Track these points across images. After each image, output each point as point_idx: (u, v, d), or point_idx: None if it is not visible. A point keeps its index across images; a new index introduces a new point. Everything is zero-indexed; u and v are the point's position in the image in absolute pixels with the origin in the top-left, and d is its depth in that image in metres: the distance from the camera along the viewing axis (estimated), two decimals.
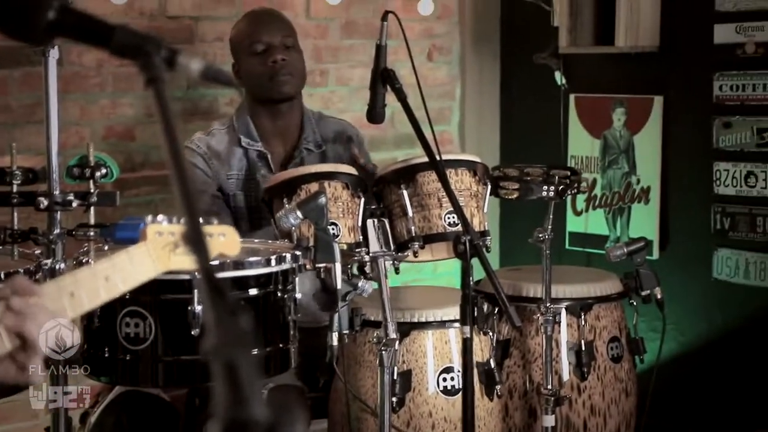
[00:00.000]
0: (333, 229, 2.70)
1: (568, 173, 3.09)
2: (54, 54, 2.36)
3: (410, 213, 2.78)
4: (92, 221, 2.43)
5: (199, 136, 3.24)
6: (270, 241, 2.70)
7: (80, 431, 2.78)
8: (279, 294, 2.46)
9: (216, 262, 2.29)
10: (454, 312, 2.86)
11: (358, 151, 3.29)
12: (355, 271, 2.80)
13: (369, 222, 2.79)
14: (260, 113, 3.25)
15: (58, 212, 2.40)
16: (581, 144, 4.24)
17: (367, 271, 2.77)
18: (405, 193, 2.79)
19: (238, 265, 2.39)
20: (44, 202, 2.38)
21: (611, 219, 4.15)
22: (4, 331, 1.47)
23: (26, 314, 1.46)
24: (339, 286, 2.56)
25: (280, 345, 2.48)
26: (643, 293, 3.15)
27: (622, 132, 4.11)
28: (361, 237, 2.77)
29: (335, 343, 2.66)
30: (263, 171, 3.19)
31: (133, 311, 2.37)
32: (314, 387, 2.98)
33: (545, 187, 3.05)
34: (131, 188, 3.58)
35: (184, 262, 1.64)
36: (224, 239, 1.76)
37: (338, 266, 2.55)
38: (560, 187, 3.04)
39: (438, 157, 2.68)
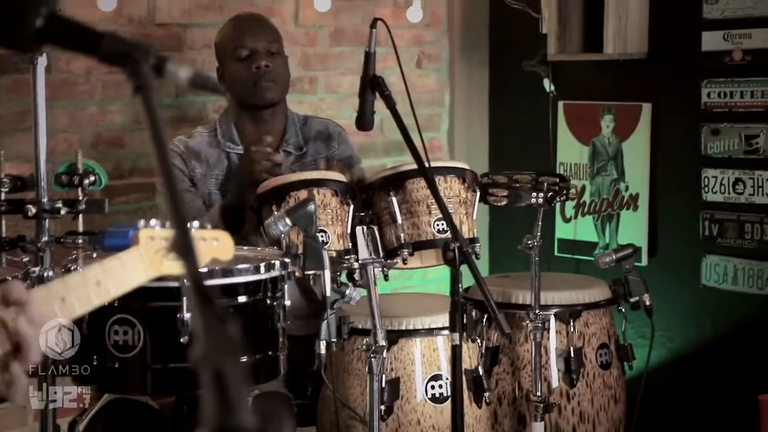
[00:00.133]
0: (322, 236, 2.70)
1: (557, 180, 3.09)
2: (42, 61, 2.35)
3: (399, 220, 2.78)
4: (81, 229, 2.43)
5: (179, 138, 3.25)
6: (259, 248, 2.70)
7: None
8: (268, 301, 2.46)
9: (205, 270, 2.29)
10: (442, 319, 2.86)
11: (339, 147, 3.30)
12: (344, 278, 2.80)
13: (358, 229, 2.79)
14: (244, 118, 3.26)
15: (47, 220, 2.39)
16: (570, 151, 4.24)
17: (356, 279, 2.77)
18: (394, 200, 2.79)
19: (226, 272, 2.38)
20: (32, 209, 2.37)
21: (600, 226, 4.16)
22: None
23: (22, 318, 1.46)
24: (328, 293, 2.56)
25: (269, 352, 2.48)
26: (632, 300, 3.15)
27: (610, 139, 4.12)
28: (350, 244, 2.77)
29: (323, 351, 2.66)
30: None
31: (121, 319, 2.36)
32: (302, 395, 2.97)
33: (534, 194, 3.05)
34: (120, 195, 3.58)
35: (176, 267, 1.63)
36: (217, 244, 1.76)
37: (327, 273, 2.55)
38: (549, 194, 3.05)
39: (427, 164, 2.68)
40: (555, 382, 3.14)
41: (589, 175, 4.19)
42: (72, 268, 2.40)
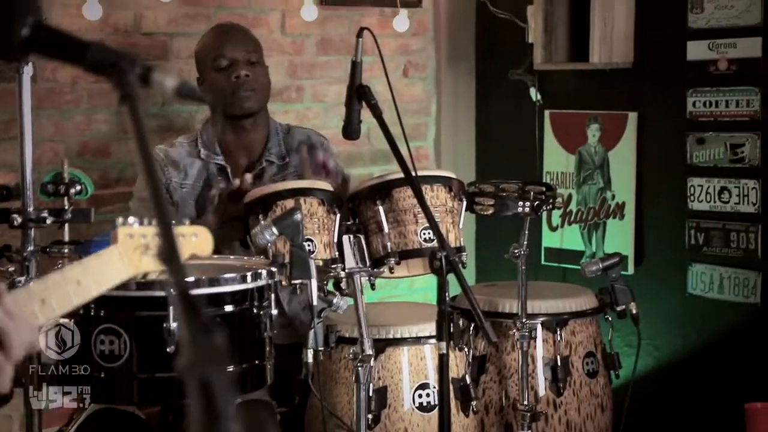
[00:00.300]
0: (309, 245, 2.69)
1: (544, 189, 3.10)
2: (28, 70, 2.35)
3: (386, 229, 2.78)
4: (67, 238, 2.42)
5: (160, 147, 3.25)
6: (246, 258, 2.69)
7: None
8: (255, 311, 2.46)
9: (191, 279, 2.29)
10: (429, 328, 2.87)
11: (324, 155, 3.30)
12: (331, 287, 2.80)
13: (345, 238, 2.79)
14: (224, 127, 3.25)
15: (32, 229, 2.39)
16: (556, 160, 4.25)
17: (343, 288, 2.77)
18: (381, 209, 2.79)
19: (213, 281, 2.38)
20: (18, 219, 2.37)
21: (586, 234, 4.17)
22: None
23: (7, 313, 1.45)
24: (315, 302, 2.56)
25: (256, 362, 2.47)
26: (618, 308, 3.16)
27: (596, 148, 4.13)
28: (336, 253, 2.77)
29: (310, 360, 2.66)
30: (222, 184, 3.19)
31: (107, 328, 2.36)
32: (288, 404, 2.97)
33: (521, 203, 3.06)
34: (106, 204, 3.57)
35: (155, 263, 1.63)
36: (196, 240, 1.76)
37: (314, 282, 2.54)
38: (535, 203, 3.05)
39: (413, 173, 2.69)
40: (542, 391, 3.15)
41: (575, 183, 4.20)
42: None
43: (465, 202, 2.92)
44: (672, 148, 3.90)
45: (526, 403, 3.06)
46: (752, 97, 3.67)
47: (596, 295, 3.27)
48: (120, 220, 1.65)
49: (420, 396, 2.94)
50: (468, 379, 2.99)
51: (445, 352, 2.63)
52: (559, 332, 3.15)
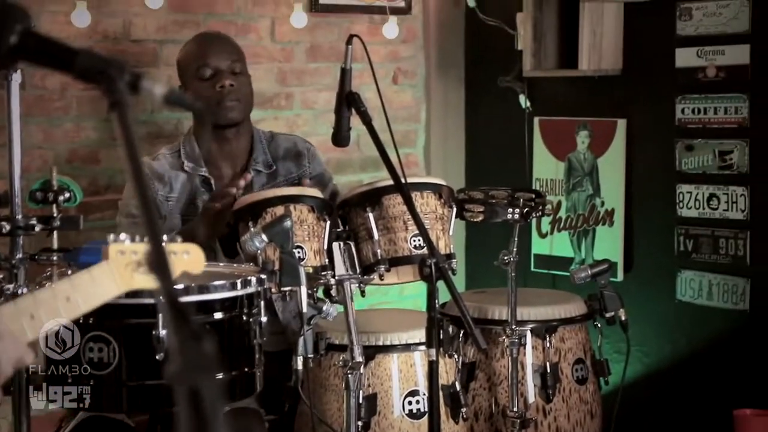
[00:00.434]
0: (298, 252, 2.69)
1: (533, 196, 3.11)
2: (17, 78, 2.35)
3: (376, 236, 2.78)
4: (55, 246, 2.42)
5: (143, 159, 3.23)
6: (235, 265, 2.69)
7: None
8: (244, 318, 2.45)
9: (180, 286, 2.29)
10: (419, 335, 2.87)
11: (310, 164, 3.30)
12: (320, 294, 2.80)
13: (335, 245, 2.79)
14: (205, 135, 3.24)
15: (21, 237, 2.38)
16: (546, 167, 4.26)
17: (333, 295, 2.77)
18: (371, 216, 2.79)
19: (203, 289, 2.38)
20: (6, 226, 2.36)
21: (576, 241, 4.17)
22: None
23: None
24: (305, 309, 2.56)
25: (246, 369, 2.47)
26: (608, 315, 3.17)
27: (586, 155, 4.14)
28: (326, 260, 2.77)
29: (300, 367, 2.65)
30: (205, 196, 3.18)
31: (96, 336, 2.35)
32: (277, 411, 2.96)
33: (510, 210, 3.06)
34: (95, 212, 3.56)
35: (146, 281, 1.63)
36: (188, 257, 1.76)
37: (304, 290, 2.54)
38: (525, 210, 3.06)
39: (403, 180, 2.69)
40: (531, 398, 3.15)
41: (564, 190, 4.20)
42: (46, 285, 2.39)
43: (455, 209, 2.92)
44: (661, 154, 3.90)
45: (515, 409, 3.06)
46: (740, 104, 3.68)
47: (585, 302, 3.27)
48: (111, 236, 1.65)
49: (410, 403, 2.93)
50: (458, 386, 2.99)
51: (434, 358, 2.63)
52: (548, 339, 3.16)
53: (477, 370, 3.21)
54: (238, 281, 2.43)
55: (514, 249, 3.06)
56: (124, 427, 2.75)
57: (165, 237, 1.73)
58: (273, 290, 2.56)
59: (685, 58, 3.81)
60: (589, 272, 3.15)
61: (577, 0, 3.95)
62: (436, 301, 2.64)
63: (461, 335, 3.03)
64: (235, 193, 2.87)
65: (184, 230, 3.01)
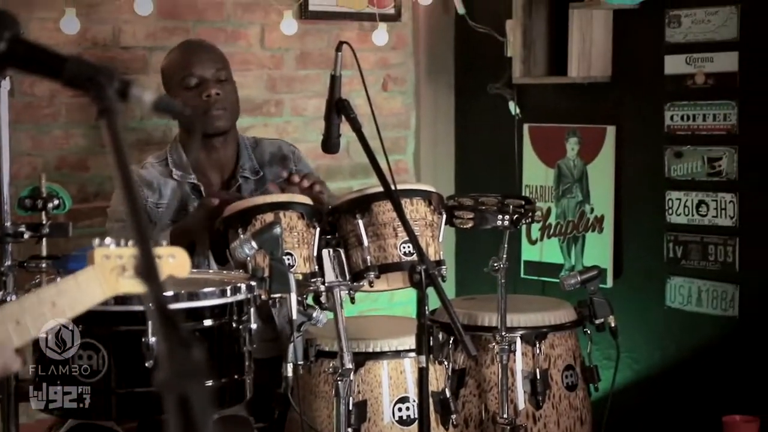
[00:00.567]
0: (288, 259, 2.69)
1: (523, 202, 3.11)
2: (5, 85, 2.35)
3: (366, 243, 2.78)
4: (44, 253, 2.41)
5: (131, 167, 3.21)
6: (225, 272, 2.69)
7: None
8: (234, 325, 2.45)
9: (170, 293, 2.28)
10: (409, 341, 2.87)
11: (296, 166, 3.30)
12: (310, 301, 2.79)
13: (324, 252, 2.79)
14: (194, 144, 3.23)
15: (10, 244, 2.37)
16: (535, 173, 4.27)
17: (323, 301, 2.77)
18: (360, 222, 2.79)
19: (192, 295, 2.37)
20: None
21: (565, 248, 4.18)
22: None
23: None
24: (294, 316, 2.55)
25: (235, 376, 2.46)
26: (597, 321, 3.17)
27: (575, 161, 4.15)
28: (316, 267, 2.77)
29: (290, 374, 2.65)
30: (196, 203, 3.18)
31: (86, 343, 2.34)
32: (267, 418, 2.96)
33: (500, 217, 3.07)
34: (84, 219, 3.56)
35: (132, 285, 1.62)
36: (173, 261, 1.75)
37: (293, 296, 2.54)
38: (515, 217, 3.06)
39: (393, 187, 2.69)
40: (521, 404, 3.15)
41: (554, 197, 4.21)
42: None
43: (444, 216, 2.92)
44: (650, 161, 3.91)
45: (505, 416, 3.06)
46: (729, 111, 3.69)
47: (575, 308, 3.27)
48: (96, 241, 1.64)
49: (400, 410, 2.93)
50: (448, 393, 2.99)
51: (424, 365, 2.62)
52: (538, 345, 3.16)
53: (467, 376, 3.21)
54: (228, 288, 2.43)
55: (504, 255, 3.06)
56: None
57: (159, 236, 1.73)
58: (263, 297, 2.56)
59: (674, 65, 3.82)
60: (579, 279, 3.15)
61: (567, 7, 3.97)
62: (426, 308, 2.64)
63: (451, 342, 3.03)
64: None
65: (180, 225, 3.01)
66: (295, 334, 2.59)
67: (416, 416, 2.86)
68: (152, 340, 2.29)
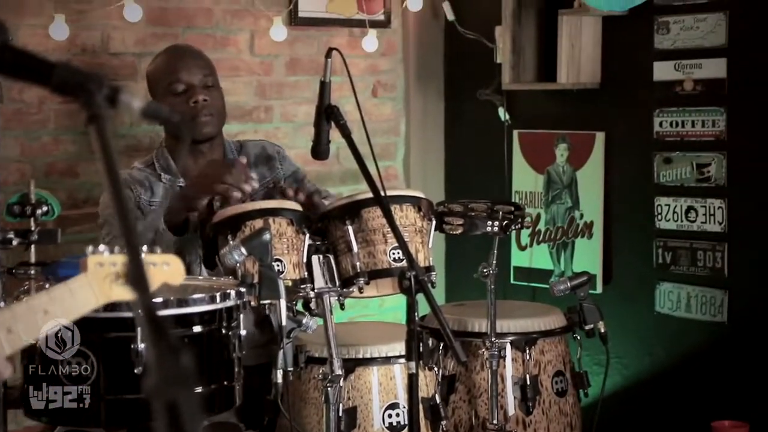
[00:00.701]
0: (278, 265, 2.69)
1: (512, 208, 3.11)
2: None
3: (355, 249, 2.78)
4: (33, 259, 2.41)
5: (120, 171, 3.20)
6: (214, 278, 2.68)
7: None
8: (223, 331, 2.45)
9: (159, 300, 2.28)
10: (399, 348, 2.86)
11: (282, 165, 3.30)
12: (300, 307, 2.79)
13: (314, 258, 2.78)
14: (182, 151, 3.23)
15: None
16: (525, 179, 4.27)
17: (313, 308, 2.76)
18: (350, 228, 2.79)
19: (181, 302, 2.37)
20: None
21: (555, 254, 4.18)
22: None
23: None
24: (284, 322, 2.55)
25: (225, 383, 2.46)
26: (587, 327, 3.17)
27: (565, 167, 4.15)
28: (306, 273, 2.77)
29: (280, 380, 2.65)
30: None
31: (75, 349, 2.34)
32: (257, 425, 2.95)
33: (489, 223, 3.07)
34: (73, 225, 3.55)
35: (126, 292, 1.62)
36: (168, 268, 1.75)
37: (283, 303, 2.54)
38: (504, 223, 3.06)
39: (383, 193, 2.69)
40: (511, 410, 3.15)
41: (544, 203, 4.22)
42: (23, 299, 2.37)
43: (434, 222, 2.92)
44: (639, 167, 3.92)
45: (495, 422, 3.06)
46: (718, 117, 3.70)
47: (565, 314, 3.28)
48: (90, 248, 1.64)
49: (390, 416, 2.93)
50: (438, 399, 2.98)
51: (414, 371, 2.62)
52: (528, 351, 3.16)
53: (457, 382, 3.21)
54: (217, 294, 2.43)
55: (494, 261, 3.06)
56: None
57: (145, 247, 1.72)
58: (252, 303, 2.56)
59: (662, 71, 3.83)
60: (569, 284, 3.16)
61: (556, 14, 3.98)
62: (416, 314, 2.64)
63: (441, 348, 3.03)
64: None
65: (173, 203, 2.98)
66: (284, 341, 2.59)
67: (406, 422, 2.85)
68: (141, 346, 2.29)
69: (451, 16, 4.38)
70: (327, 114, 2.84)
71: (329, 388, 2.67)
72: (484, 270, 3.06)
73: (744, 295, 3.69)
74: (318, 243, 2.82)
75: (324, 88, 2.85)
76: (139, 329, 2.27)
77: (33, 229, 2.41)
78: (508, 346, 3.15)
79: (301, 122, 4.11)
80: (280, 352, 2.62)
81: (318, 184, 3.42)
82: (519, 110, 4.30)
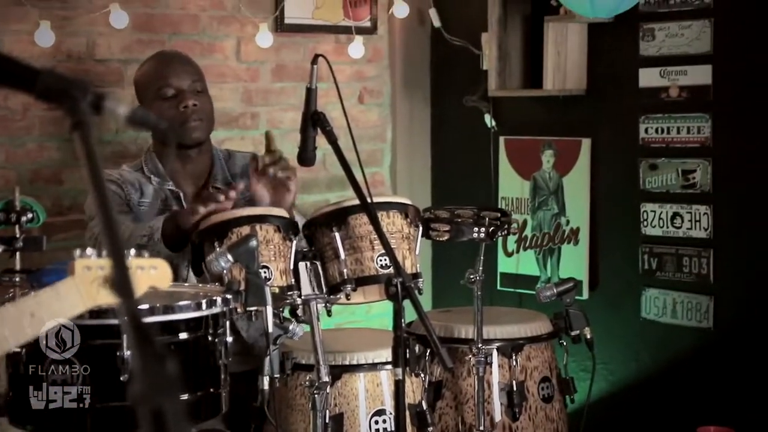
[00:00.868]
0: (264, 272, 2.68)
1: (499, 215, 3.11)
2: None
3: (342, 255, 2.78)
4: (18, 266, 2.40)
5: (109, 172, 3.19)
6: (201, 285, 2.68)
7: None
8: (210, 338, 2.44)
9: (145, 307, 2.27)
10: (385, 354, 2.86)
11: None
12: (287, 314, 2.79)
13: (301, 265, 2.78)
14: (169, 157, 3.23)
15: None
16: (511, 185, 4.28)
17: (299, 314, 2.76)
18: (337, 235, 2.79)
19: (167, 309, 2.36)
20: None
21: (541, 260, 4.19)
22: None
23: None
24: (270, 329, 2.55)
25: (211, 390, 2.45)
26: (573, 333, 3.18)
27: (551, 174, 4.16)
28: (293, 280, 2.77)
29: (266, 387, 2.64)
30: (175, 209, 3.17)
31: (54, 360, 2.32)
32: None
33: (476, 229, 3.07)
34: (59, 232, 3.53)
35: (112, 296, 1.62)
36: (155, 272, 1.75)
37: (270, 309, 2.53)
38: (491, 229, 3.07)
39: (369, 200, 2.69)
40: (498, 416, 3.15)
41: (530, 209, 4.22)
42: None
43: (421, 228, 2.93)
44: (625, 173, 3.93)
45: (482, 428, 3.06)
46: (703, 123, 3.72)
47: (551, 320, 3.28)
48: (78, 251, 1.63)
49: (376, 422, 2.93)
50: (424, 405, 2.98)
51: (401, 378, 2.62)
52: (514, 357, 3.16)
53: (443, 388, 3.21)
54: (203, 301, 2.42)
55: (480, 268, 3.07)
56: None
57: (133, 251, 1.72)
58: (239, 310, 2.55)
59: (648, 78, 3.84)
60: (555, 291, 3.16)
61: (542, 20, 3.99)
62: (403, 321, 2.64)
63: (428, 354, 3.03)
64: (221, 200, 2.85)
65: (169, 217, 2.97)
66: (271, 347, 2.59)
67: (393, 429, 2.85)
68: (127, 353, 2.28)
69: (437, 23, 4.38)
70: (313, 120, 2.84)
71: (316, 395, 2.67)
72: (471, 276, 3.06)
73: (729, 301, 3.70)
74: (305, 250, 2.82)
75: (310, 94, 2.85)
76: (124, 336, 2.27)
77: (18, 236, 2.40)
78: (495, 353, 3.15)
79: (288, 129, 4.10)
80: (267, 359, 2.62)
81: (305, 191, 3.43)
82: (505, 117, 4.30)
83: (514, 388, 3.15)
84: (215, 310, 2.44)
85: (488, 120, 4.31)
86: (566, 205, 4.11)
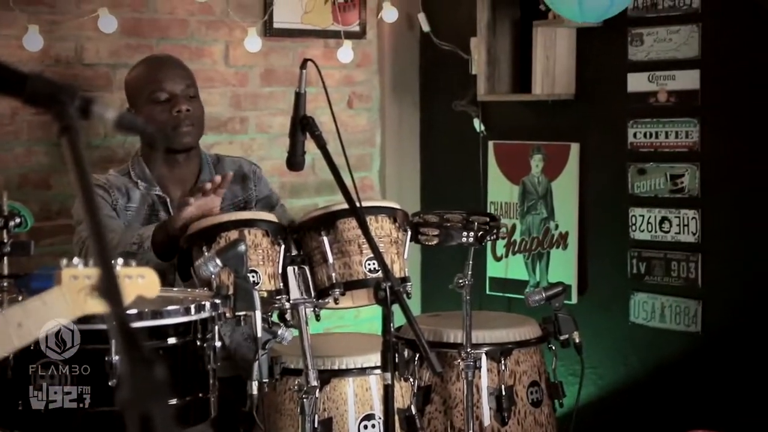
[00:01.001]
0: (253, 276, 2.68)
1: (488, 219, 3.12)
2: None
3: (331, 260, 2.78)
4: (6, 272, 2.39)
5: (97, 176, 3.19)
6: (189, 290, 2.67)
7: None
8: (198, 343, 2.44)
9: (133, 312, 2.27)
10: (374, 359, 2.86)
11: (256, 187, 3.29)
12: (275, 318, 2.78)
13: (289, 269, 2.78)
14: (158, 161, 3.22)
15: None
16: (500, 190, 4.28)
17: (288, 319, 2.76)
18: (325, 239, 2.79)
19: (156, 314, 2.36)
20: None
21: (530, 264, 4.19)
22: None
23: None
24: (259, 334, 2.54)
25: (200, 394, 2.45)
26: (562, 337, 3.18)
27: (540, 178, 4.17)
28: (281, 284, 2.76)
29: (255, 391, 2.64)
30: (162, 213, 3.17)
31: (48, 362, 2.32)
32: None
33: (465, 233, 3.07)
34: (47, 237, 3.53)
35: (100, 305, 1.61)
36: (143, 281, 1.75)
37: (258, 314, 2.53)
38: (480, 233, 3.07)
39: (358, 204, 2.69)
40: (487, 421, 3.15)
41: (519, 213, 4.23)
42: None
43: (410, 233, 2.93)
44: (614, 178, 3.94)
45: None
46: (691, 128, 3.73)
47: (540, 325, 3.28)
48: (64, 261, 1.63)
49: (365, 427, 2.93)
50: (413, 410, 2.98)
51: (390, 382, 2.62)
52: (503, 362, 3.16)
53: (432, 393, 3.21)
54: (192, 306, 2.42)
55: (469, 272, 3.07)
56: None
57: (121, 260, 1.71)
58: (227, 315, 2.55)
59: (636, 82, 3.85)
60: (544, 295, 3.16)
61: (531, 25, 3.99)
62: (392, 325, 2.64)
63: (417, 359, 3.02)
64: (209, 189, 2.84)
65: (160, 225, 2.96)
66: (260, 352, 2.58)
67: None
68: (115, 358, 2.28)
69: (426, 28, 4.39)
70: (302, 125, 2.85)
71: (305, 400, 2.66)
72: (460, 281, 3.06)
73: (718, 305, 3.71)
74: (293, 254, 2.82)
75: (299, 99, 2.86)
76: (113, 341, 2.26)
77: (6, 241, 2.39)
78: (484, 357, 3.15)
79: (277, 133, 4.10)
80: (256, 364, 2.61)
81: (294, 195, 3.43)
82: (494, 121, 4.31)
83: (503, 393, 3.15)
84: (204, 314, 2.43)
85: (477, 124, 4.31)
86: (555, 209, 4.12)
